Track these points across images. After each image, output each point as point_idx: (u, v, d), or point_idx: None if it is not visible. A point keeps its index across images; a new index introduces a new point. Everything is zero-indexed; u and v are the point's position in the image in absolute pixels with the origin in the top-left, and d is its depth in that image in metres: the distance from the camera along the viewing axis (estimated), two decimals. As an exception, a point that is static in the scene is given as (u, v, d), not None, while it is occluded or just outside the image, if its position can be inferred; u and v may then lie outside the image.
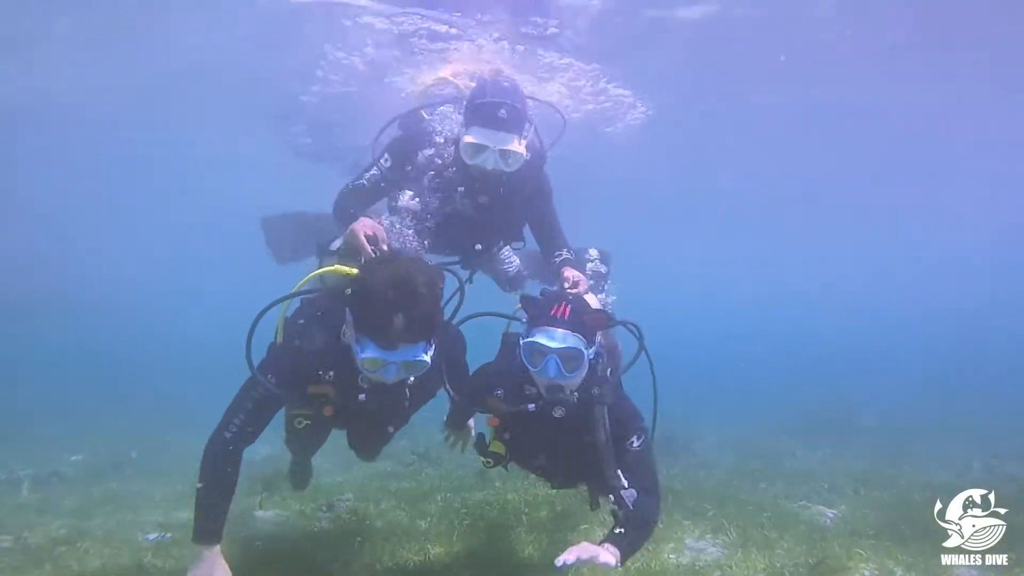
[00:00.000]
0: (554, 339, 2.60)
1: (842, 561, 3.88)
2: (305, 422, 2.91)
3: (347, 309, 2.47)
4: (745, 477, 6.70)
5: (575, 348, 2.60)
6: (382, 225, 3.04)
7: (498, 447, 2.95)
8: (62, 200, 17.21)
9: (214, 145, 12.59)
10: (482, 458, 2.99)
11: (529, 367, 2.68)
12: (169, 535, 4.26)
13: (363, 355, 2.37)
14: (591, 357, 2.67)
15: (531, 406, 2.71)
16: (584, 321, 2.66)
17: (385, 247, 2.86)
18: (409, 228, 3.45)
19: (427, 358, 2.43)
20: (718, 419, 10.80)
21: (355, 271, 2.61)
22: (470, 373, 3.26)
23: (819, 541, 4.28)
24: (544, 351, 2.60)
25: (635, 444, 2.77)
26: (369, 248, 2.80)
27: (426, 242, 3.53)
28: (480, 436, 3.06)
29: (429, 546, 3.88)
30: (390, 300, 2.29)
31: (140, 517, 4.95)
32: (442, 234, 3.60)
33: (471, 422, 3.75)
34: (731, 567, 3.82)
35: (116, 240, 22.40)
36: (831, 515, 5.28)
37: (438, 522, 4.47)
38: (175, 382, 14.11)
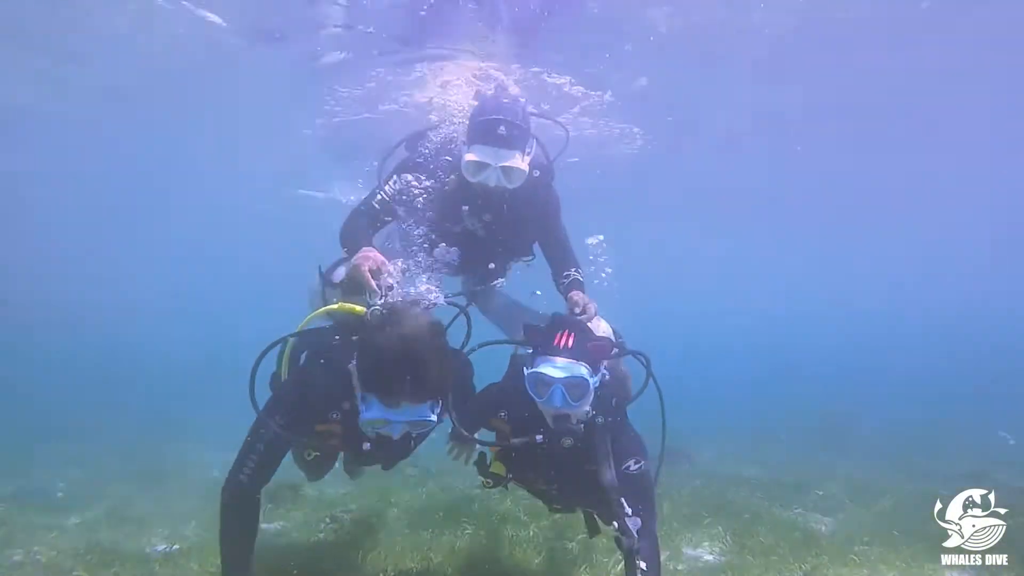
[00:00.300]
0: (558, 368, 2.58)
1: (837, 567, 3.96)
2: (314, 454, 2.92)
3: (355, 359, 2.43)
4: (742, 485, 6.76)
5: (579, 377, 2.57)
6: (387, 259, 2.89)
7: (499, 468, 2.94)
8: (61, 205, 17.12)
9: (213, 149, 12.53)
10: (482, 478, 2.97)
11: (535, 397, 2.65)
12: (177, 546, 4.32)
13: (367, 415, 2.33)
14: (596, 385, 2.64)
15: (539, 437, 2.67)
16: (588, 349, 2.64)
17: (390, 280, 2.76)
18: (419, 231, 3.36)
19: (434, 417, 2.39)
20: (715, 427, 10.85)
21: (362, 309, 2.55)
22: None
23: (814, 548, 4.35)
24: (548, 381, 2.58)
25: (632, 468, 2.76)
26: (373, 284, 2.68)
27: (437, 255, 3.42)
28: (481, 456, 3.04)
29: (432, 556, 3.95)
30: (396, 363, 2.23)
31: (146, 529, 4.99)
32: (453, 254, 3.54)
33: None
34: (728, 574, 3.89)
35: (116, 244, 22.26)
36: (827, 522, 5.35)
37: (440, 532, 4.54)
38: (174, 388, 14.16)
